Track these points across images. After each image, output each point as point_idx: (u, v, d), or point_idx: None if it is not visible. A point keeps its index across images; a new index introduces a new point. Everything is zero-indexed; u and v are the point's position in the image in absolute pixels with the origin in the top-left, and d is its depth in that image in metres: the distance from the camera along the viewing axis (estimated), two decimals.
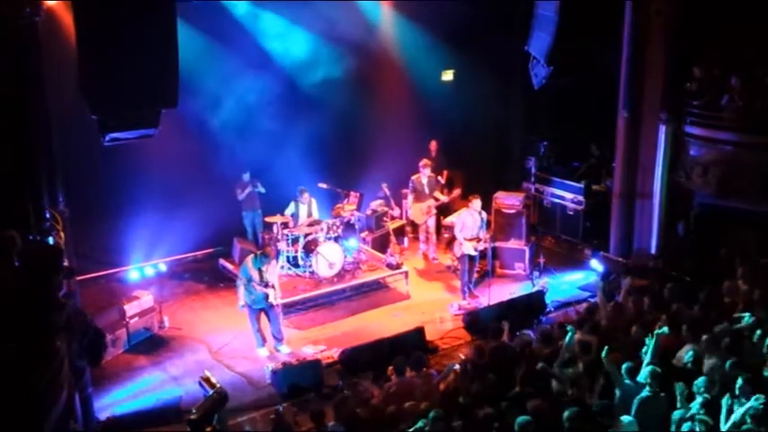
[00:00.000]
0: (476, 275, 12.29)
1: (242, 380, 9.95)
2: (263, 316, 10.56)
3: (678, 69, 11.64)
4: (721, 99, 11.31)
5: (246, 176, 13.10)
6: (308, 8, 13.02)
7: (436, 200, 13.47)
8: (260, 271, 10.28)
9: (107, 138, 7.51)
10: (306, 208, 12.61)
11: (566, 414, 6.30)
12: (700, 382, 6.85)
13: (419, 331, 10.61)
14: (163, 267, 12.90)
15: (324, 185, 13.09)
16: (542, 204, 14.44)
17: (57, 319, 5.83)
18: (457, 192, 13.67)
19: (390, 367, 8.31)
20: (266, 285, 10.29)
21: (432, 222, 13.63)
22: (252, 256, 10.52)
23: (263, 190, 13.16)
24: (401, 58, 14.27)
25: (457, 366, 8.33)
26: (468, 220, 11.73)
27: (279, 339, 10.61)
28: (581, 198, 13.73)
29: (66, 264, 7.12)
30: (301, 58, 13.39)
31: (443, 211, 14.01)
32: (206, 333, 11.15)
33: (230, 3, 12.64)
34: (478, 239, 11.71)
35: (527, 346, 8.52)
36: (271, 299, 10.36)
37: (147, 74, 6.90)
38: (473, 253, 11.78)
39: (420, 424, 6.67)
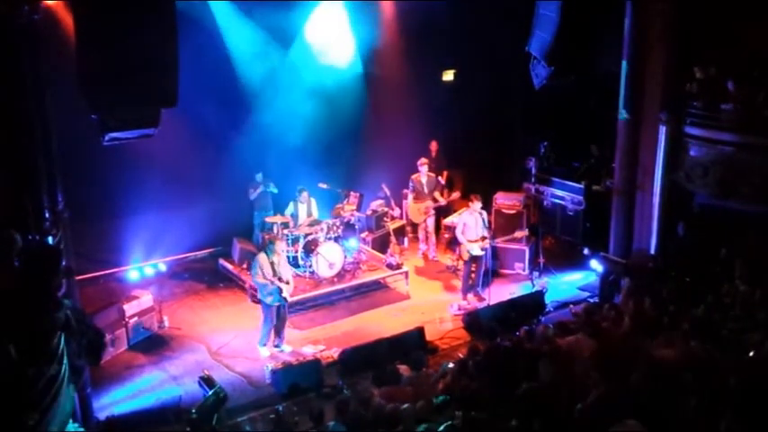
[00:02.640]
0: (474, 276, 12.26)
1: (242, 380, 9.96)
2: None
3: (678, 70, 11.63)
4: (721, 100, 11.30)
5: (259, 177, 13.10)
6: (309, 9, 13.04)
7: (434, 200, 13.46)
8: (272, 264, 10.26)
9: (107, 137, 7.51)
10: (305, 208, 12.61)
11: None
12: None
13: (419, 331, 10.61)
14: (162, 267, 12.95)
15: (324, 185, 13.09)
16: (542, 205, 14.42)
17: (56, 318, 5.82)
18: (456, 194, 13.66)
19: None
20: (280, 279, 10.29)
21: (431, 222, 13.63)
22: (262, 252, 10.49)
23: (275, 190, 13.18)
24: (402, 58, 14.28)
25: (451, 365, 8.33)
26: (470, 221, 11.73)
27: (281, 338, 10.61)
28: (581, 198, 13.71)
29: (65, 263, 7.11)
30: (302, 57, 13.40)
31: (443, 211, 14.01)
32: (206, 333, 11.16)
33: (230, 3, 12.64)
34: (483, 238, 11.69)
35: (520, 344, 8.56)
36: (285, 293, 10.35)
37: (146, 73, 6.89)
38: (480, 253, 11.76)
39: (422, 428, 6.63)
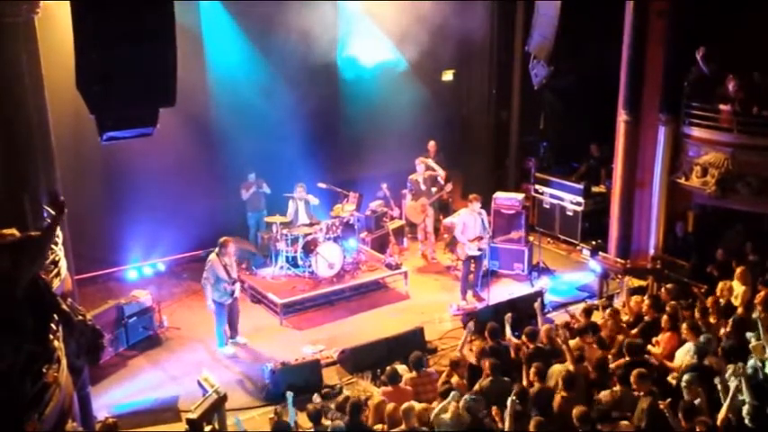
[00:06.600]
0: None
1: (242, 379, 9.96)
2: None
3: (678, 70, 11.65)
4: (720, 100, 11.33)
5: (252, 177, 13.06)
6: (309, 8, 13.03)
7: (428, 197, 13.42)
8: (225, 267, 10.32)
9: (105, 137, 7.48)
10: (303, 204, 12.59)
11: None
12: None
13: (418, 331, 10.60)
14: (161, 267, 12.92)
15: (323, 185, 13.07)
16: (542, 205, 14.43)
17: (54, 318, 5.80)
18: (449, 186, 13.58)
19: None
20: (233, 282, 10.40)
21: (429, 222, 13.61)
22: (214, 254, 10.48)
23: (268, 190, 13.13)
24: (401, 58, 14.28)
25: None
26: (469, 221, 11.71)
27: (237, 330, 10.70)
28: (580, 199, 13.72)
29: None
30: (303, 57, 13.39)
31: (443, 210, 13.97)
32: (204, 332, 11.12)
33: (222, 3, 12.65)
34: (480, 238, 11.68)
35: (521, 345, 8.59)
36: (236, 293, 10.49)
37: (145, 73, 6.86)
38: (477, 253, 11.76)
39: None
